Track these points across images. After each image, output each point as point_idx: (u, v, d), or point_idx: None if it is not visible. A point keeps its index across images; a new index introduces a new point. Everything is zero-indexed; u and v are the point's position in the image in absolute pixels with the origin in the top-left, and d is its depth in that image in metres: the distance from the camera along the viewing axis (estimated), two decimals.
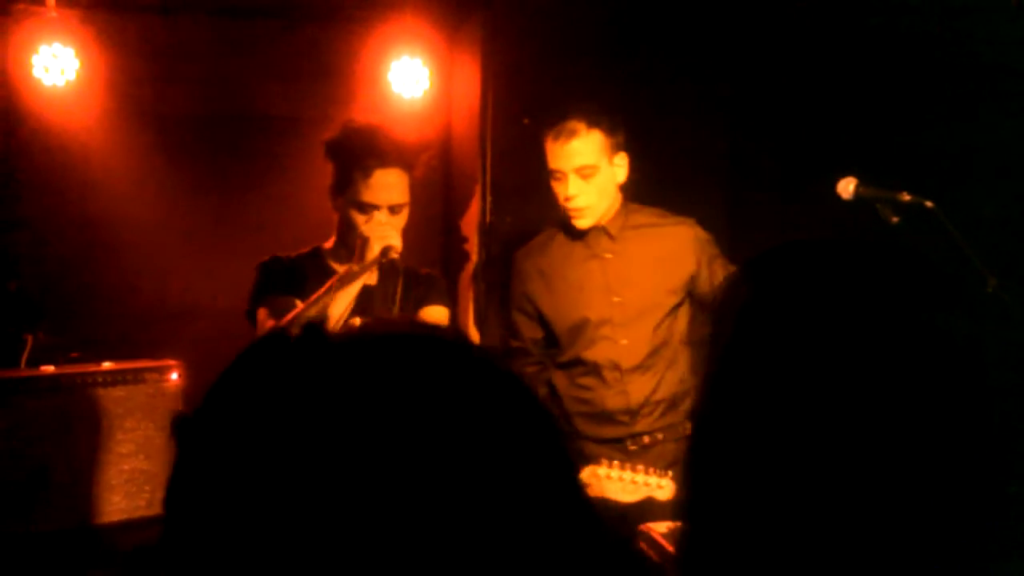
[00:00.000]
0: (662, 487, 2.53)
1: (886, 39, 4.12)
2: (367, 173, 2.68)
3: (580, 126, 2.82)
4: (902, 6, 4.05)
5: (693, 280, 3.03)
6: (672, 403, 3.05)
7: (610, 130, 2.86)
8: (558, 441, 0.71)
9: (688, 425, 3.13)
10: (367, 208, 2.70)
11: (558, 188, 2.90)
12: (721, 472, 0.86)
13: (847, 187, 2.80)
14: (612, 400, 3.00)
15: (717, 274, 3.04)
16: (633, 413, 3.00)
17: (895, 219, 2.69)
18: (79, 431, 3.26)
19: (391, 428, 0.64)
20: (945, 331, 0.83)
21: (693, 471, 0.90)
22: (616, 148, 2.88)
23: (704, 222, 3.16)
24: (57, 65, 3.80)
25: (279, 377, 0.66)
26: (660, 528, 2.52)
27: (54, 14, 3.75)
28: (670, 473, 2.55)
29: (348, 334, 0.72)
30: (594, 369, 3.00)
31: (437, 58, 4.23)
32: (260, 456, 0.63)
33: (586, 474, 2.52)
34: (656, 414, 3.03)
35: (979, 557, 0.81)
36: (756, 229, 3.24)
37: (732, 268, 3.10)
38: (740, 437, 0.84)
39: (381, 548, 0.61)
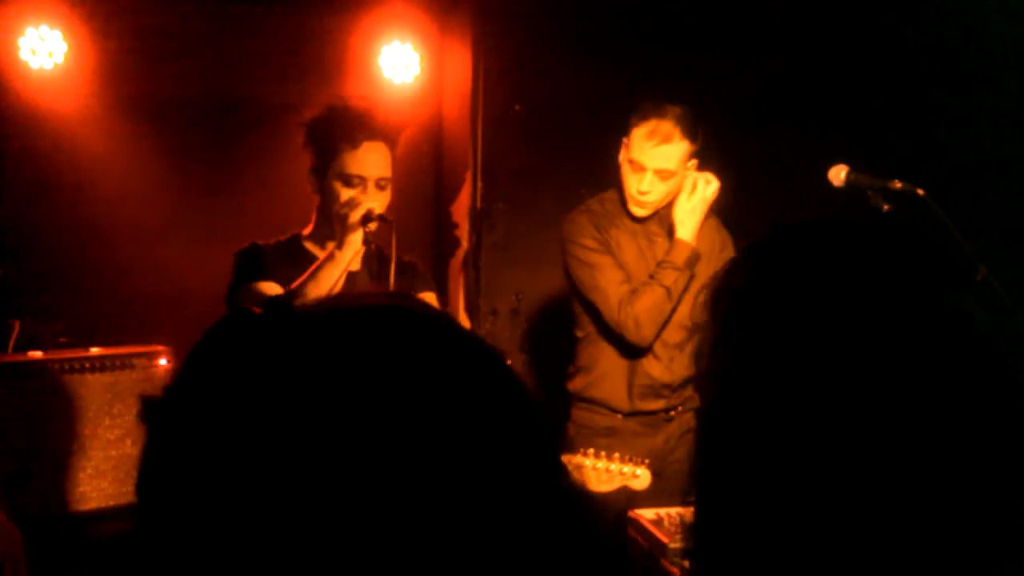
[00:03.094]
0: (637, 476, 2.56)
1: (880, 29, 4.12)
2: (355, 144, 2.68)
3: (675, 133, 2.93)
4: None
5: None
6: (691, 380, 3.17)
7: (695, 139, 2.98)
8: (538, 420, 0.70)
9: (696, 396, 3.19)
10: (355, 180, 2.68)
11: (632, 178, 3.00)
12: (731, 460, 0.84)
13: (838, 174, 2.79)
14: (661, 373, 3.08)
15: None
16: (673, 388, 3.07)
17: (886, 206, 2.69)
18: (67, 417, 3.25)
19: (362, 405, 0.62)
20: (963, 314, 0.81)
21: (703, 461, 0.88)
22: (693, 156, 3.01)
23: None
24: (44, 48, 3.77)
25: (245, 354, 0.65)
26: (648, 515, 2.52)
27: None
28: (646, 462, 2.57)
29: (315, 306, 0.70)
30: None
31: (428, 43, 4.21)
32: (230, 438, 0.62)
33: None
34: (686, 392, 3.11)
35: (997, 553, 0.79)
36: (748, 215, 3.24)
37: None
38: (751, 425, 0.82)
39: (350, 528, 0.60)
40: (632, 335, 2.98)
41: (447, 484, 0.62)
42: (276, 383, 0.63)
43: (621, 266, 3.04)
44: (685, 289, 3.00)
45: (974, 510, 0.78)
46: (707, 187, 2.99)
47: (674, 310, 3.01)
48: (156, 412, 0.66)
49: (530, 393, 0.71)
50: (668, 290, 2.95)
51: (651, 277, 2.99)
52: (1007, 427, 0.79)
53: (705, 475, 0.87)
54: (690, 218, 2.98)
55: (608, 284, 3.00)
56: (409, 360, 0.65)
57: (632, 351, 3.05)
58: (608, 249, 3.06)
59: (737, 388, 0.84)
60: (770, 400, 0.81)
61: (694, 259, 2.98)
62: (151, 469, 0.66)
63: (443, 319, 0.71)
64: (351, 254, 2.61)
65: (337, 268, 2.59)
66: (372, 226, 2.62)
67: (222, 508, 0.61)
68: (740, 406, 0.84)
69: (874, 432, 0.77)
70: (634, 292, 2.97)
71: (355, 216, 2.58)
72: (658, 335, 3.02)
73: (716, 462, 0.86)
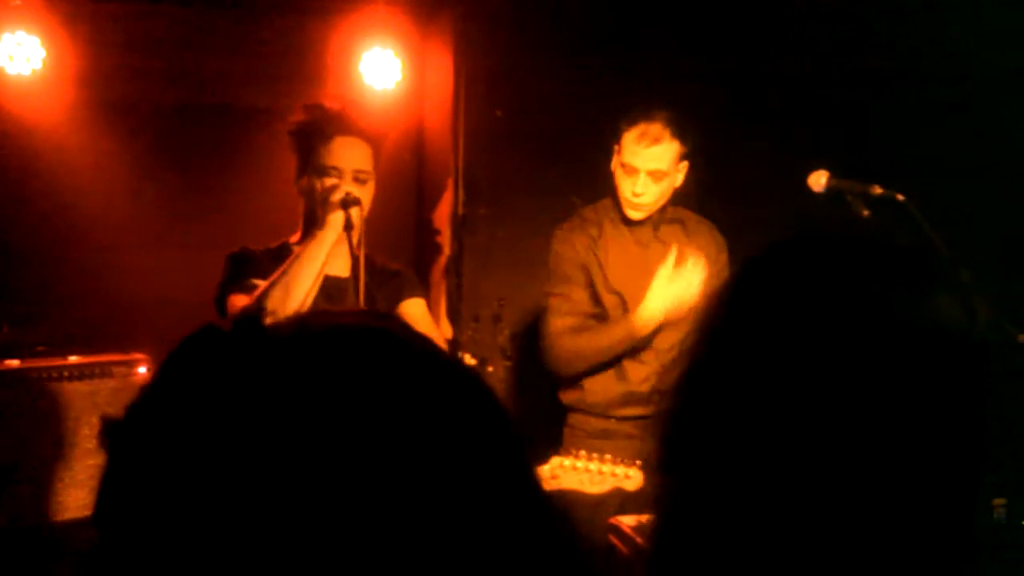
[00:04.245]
0: (630, 477, 2.57)
1: (867, 32, 4.14)
2: (328, 139, 2.68)
3: (664, 134, 2.97)
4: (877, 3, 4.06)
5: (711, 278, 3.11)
6: None
7: (686, 141, 3.01)
8: (512, 437, 0.69)
9: None
10: (330, 172, 2.67)
11: (625, 182, 3.04)
12: (694, 466, 0.84)
13: (819, 180, 2.80)
14: (648, 381, 3.09)
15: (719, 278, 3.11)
16: (663, 394, 3.05)
17: (866, 212, 2.69)
18: (45, 426, 3.22)
19: (329, 429, 0.61)
20: (942, 322, 0.81)
21: (665, 465, 0.88)
22: (684, 157, 3.03)
23: None
24: (22, 54, 3.74)
25: (213, 376, 0.63)
26: (629, 521, 2.52)
27: (19, 1, 3.69)
28: (638, 463, 2.57)
29: (287, 326, 0.69)
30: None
31: (409, 49, 4.20)
32: (192, 461, 0.60)
33: (553, 465, 2.53)
34: None
35: (959, 552, 0.79)
36: (728, 221, 3.25)
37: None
38: (715, 432, 0.82)
39: (315, 552, 0.59)
40: (551, 363, 3.07)
41: (414, 514, 0.61)
42: (240, 407, 0.62)
43: (590, 294, 3.06)
44: (627, 355, 3.03)
45: (939, 515, 0.79)
46: (694, 270, 2.91)
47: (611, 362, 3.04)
48: (115, 433, 0.64)
49: (506, 414, 0.70)
50: (610, 348, 3.00)
51: (608, 321, 3.03)
52: (981, 432, 0.80)
53: (669, 481, 0.87)
54: (665, 291, 2.91)
55: (557, 309, 3.07)
56: (379, 384, 0.64)
57: (620, 357, 3.07)
58: (587, 271, 3.08)
59: (707, 395, 0.85)
60: (739, 407, 0.81)
61: (653, 335, 3.00)
62: (109, 492, 0.64)
63: (418, 341, 0.70)
64: (333, 236, 2.60)
65: (320, 249, 2.58)
66: (354, 211, 2.60)
67: (181, 535, 0.60)
68: (708, 414, 0.84)
69: (842, 439, 0.77)
70: (578, 329, 3.03)
71: (335, 197, 2.58)
72: (582, 374, 3.06)
73: (681, 469, 0.86)
